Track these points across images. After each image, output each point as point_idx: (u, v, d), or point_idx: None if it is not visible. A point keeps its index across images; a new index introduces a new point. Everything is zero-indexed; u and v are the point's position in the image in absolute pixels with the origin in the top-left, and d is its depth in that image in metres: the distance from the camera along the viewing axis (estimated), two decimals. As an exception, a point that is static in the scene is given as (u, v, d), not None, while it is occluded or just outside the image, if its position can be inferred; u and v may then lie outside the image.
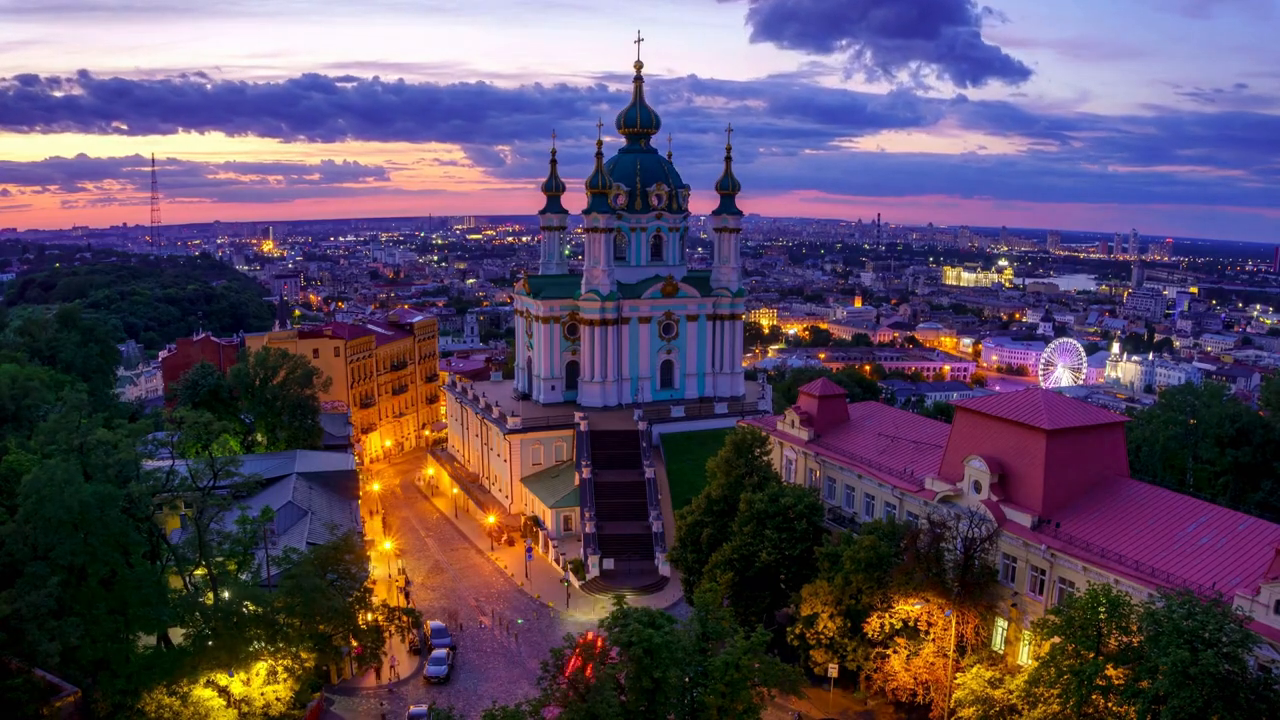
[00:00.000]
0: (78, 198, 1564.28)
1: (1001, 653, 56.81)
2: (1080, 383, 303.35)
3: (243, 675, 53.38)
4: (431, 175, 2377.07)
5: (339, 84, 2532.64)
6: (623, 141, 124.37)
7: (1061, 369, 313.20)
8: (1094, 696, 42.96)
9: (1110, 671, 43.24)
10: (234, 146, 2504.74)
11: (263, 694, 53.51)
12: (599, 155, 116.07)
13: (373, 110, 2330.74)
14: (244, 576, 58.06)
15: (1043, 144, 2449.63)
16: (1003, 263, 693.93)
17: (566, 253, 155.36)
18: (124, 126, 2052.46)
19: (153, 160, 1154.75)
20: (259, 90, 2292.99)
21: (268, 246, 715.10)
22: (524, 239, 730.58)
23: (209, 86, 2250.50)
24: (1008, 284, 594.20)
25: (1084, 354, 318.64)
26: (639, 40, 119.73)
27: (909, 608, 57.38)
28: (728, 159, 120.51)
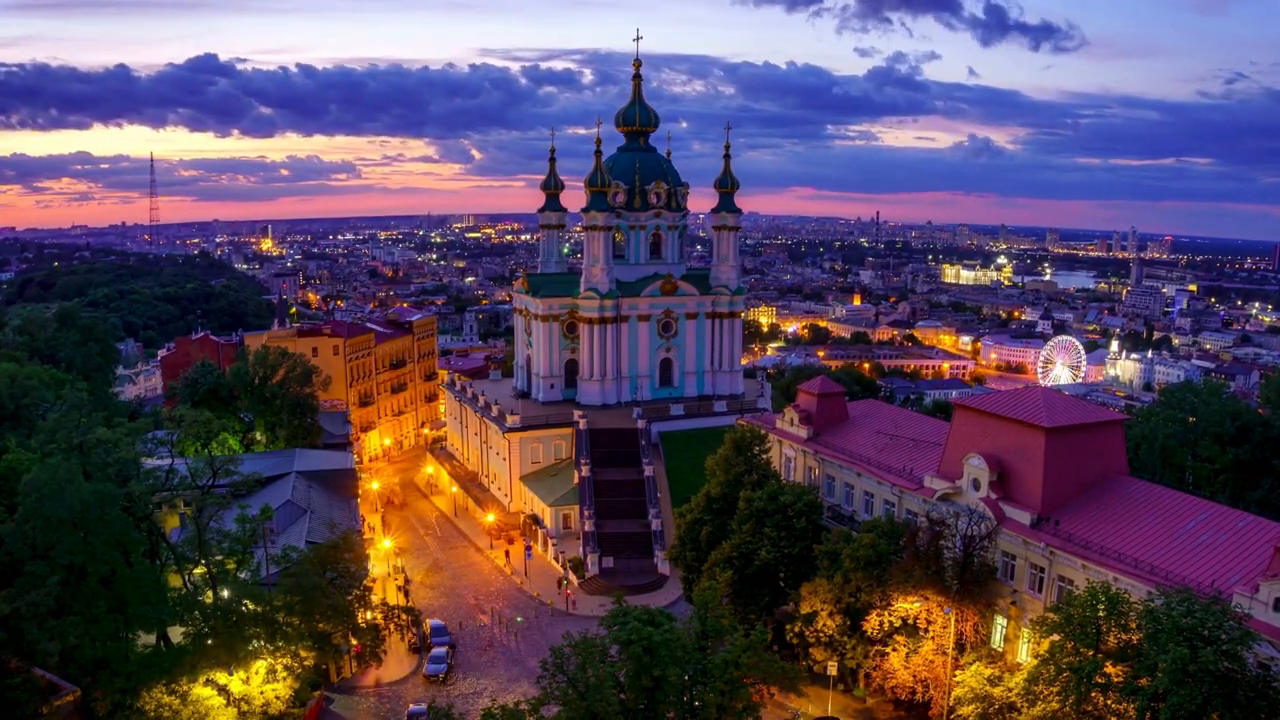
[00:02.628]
0: (49, 198, 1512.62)
1: (1001, 650, 56.84)
2: (1079, 381, 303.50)
3: (242, 674, 53.40)
4: (409, 172, 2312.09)
5: (238, 65, 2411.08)
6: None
7: (1060, 367, 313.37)
8: (1093, 694, 42.97)
9: (1109, 669, 43.26)
10: (172, 144, 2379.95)
11: (262, 692, 53.53)
12: (598, 153, 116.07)
13: (292, 99, 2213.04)
14: (243, 575, 58.02)
15: (1046, 135, 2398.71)
16: (1001, 260, 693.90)
17: (566, 251, 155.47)
18: (27, 120, 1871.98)
19: (151, 160, 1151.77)
20: (152, 75, 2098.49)
21: (266, 245, 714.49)
22: (523, 237, 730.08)
23: (86, 70, 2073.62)
24: (1006, 282, 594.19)
25: (1083, 352, 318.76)
26: (638, 39, 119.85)
27: (908, 606, 57.39)
28: (726, 157, 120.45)
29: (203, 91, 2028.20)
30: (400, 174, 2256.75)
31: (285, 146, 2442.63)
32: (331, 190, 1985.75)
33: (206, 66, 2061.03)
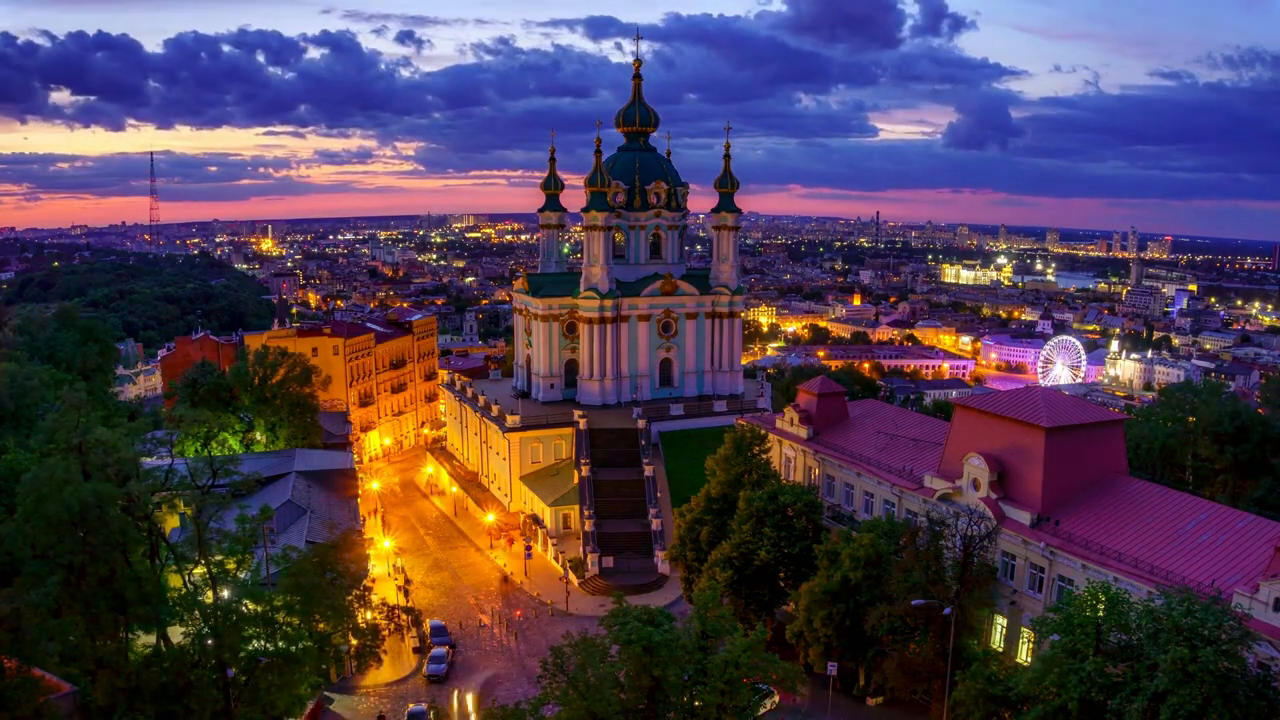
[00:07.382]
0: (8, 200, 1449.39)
1: (1000, 650, 56.84)
2: (1079, 380, 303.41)
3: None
4: (352, 171, 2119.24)
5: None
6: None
7: (1060, 366, 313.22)
8: (1093, 694, 42.94)
9: (1109, 669, 43.24)
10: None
11: (262, 692, 53.39)
12: (598, 153, 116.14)
13: (60, 72, 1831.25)
14: (243, 575, 57.98)
15: (1053, 113, 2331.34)
16: (1001, 260, 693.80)
17: (566, 251, 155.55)
18: None
19: (151, 158, 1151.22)
20: None
21: (267, 245, 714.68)
22: (523, 237, 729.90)
23: None
24: (1006, 282, 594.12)
25: (1083, 351, 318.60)
26: (637, 38, 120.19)
27: (908, 605, 57.35)
28: (726, 156, 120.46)
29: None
30: (345, 174, 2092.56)
31: (163, 141, 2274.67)
32: (301, 189, 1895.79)
33: None
